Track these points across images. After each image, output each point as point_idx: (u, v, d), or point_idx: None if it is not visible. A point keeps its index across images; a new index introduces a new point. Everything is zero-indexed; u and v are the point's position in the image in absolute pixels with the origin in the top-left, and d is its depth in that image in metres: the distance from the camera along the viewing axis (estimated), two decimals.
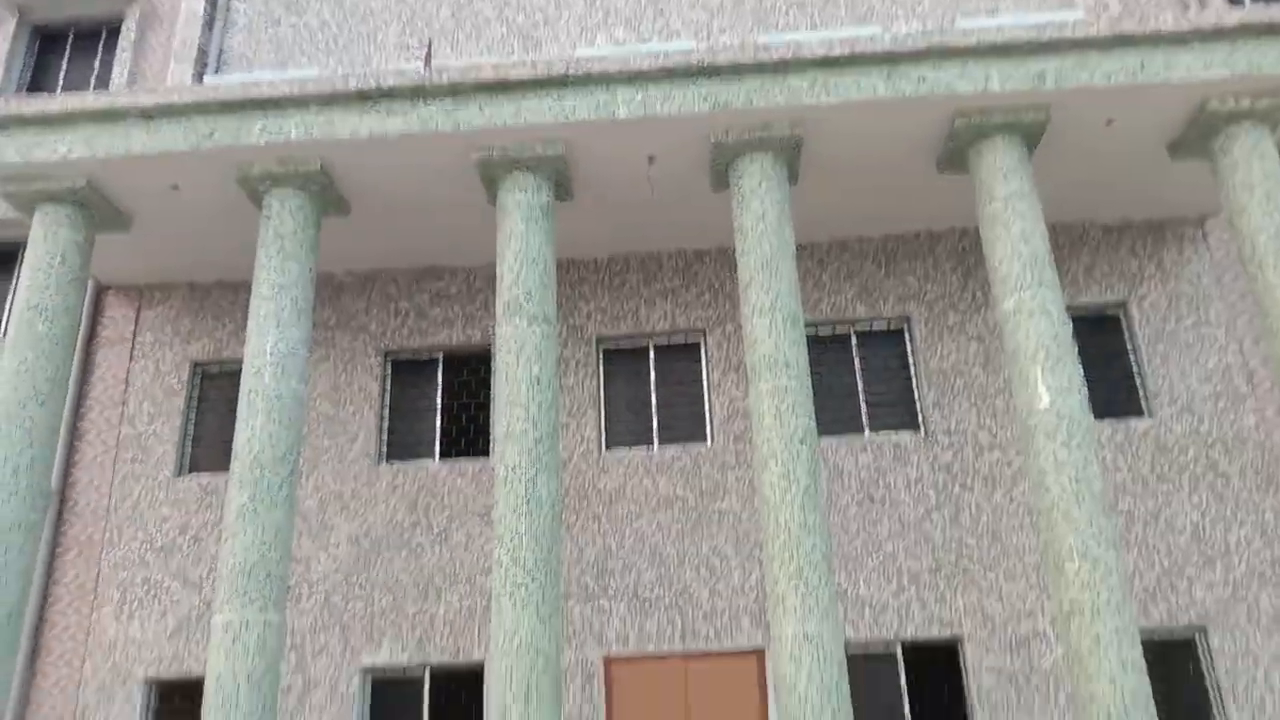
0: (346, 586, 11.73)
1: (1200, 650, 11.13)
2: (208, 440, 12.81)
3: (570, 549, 11.62)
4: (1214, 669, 10.95)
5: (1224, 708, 10.77)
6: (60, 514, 12.34)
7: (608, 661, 11.24)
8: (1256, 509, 11.46)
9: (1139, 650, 8.41)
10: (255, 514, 9.25)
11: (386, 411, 12.77)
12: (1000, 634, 11.07)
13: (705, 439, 12.36)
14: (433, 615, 11.54)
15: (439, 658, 11.34)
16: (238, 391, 10.22)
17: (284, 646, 9.50)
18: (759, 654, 11.10)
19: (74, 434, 12.66)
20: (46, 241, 10.59)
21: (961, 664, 11.17)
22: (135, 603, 11.87)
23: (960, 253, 12.86)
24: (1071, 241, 12.81)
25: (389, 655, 11.40)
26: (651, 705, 10.80)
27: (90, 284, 13.07)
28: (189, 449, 12.76)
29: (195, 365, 13.01)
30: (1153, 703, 8.29)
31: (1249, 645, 10.92)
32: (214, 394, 13.05)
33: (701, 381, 12.67)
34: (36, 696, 11.64)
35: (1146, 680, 8.33)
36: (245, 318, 13.09)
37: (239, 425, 9.70)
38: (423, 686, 11.42)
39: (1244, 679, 10.81)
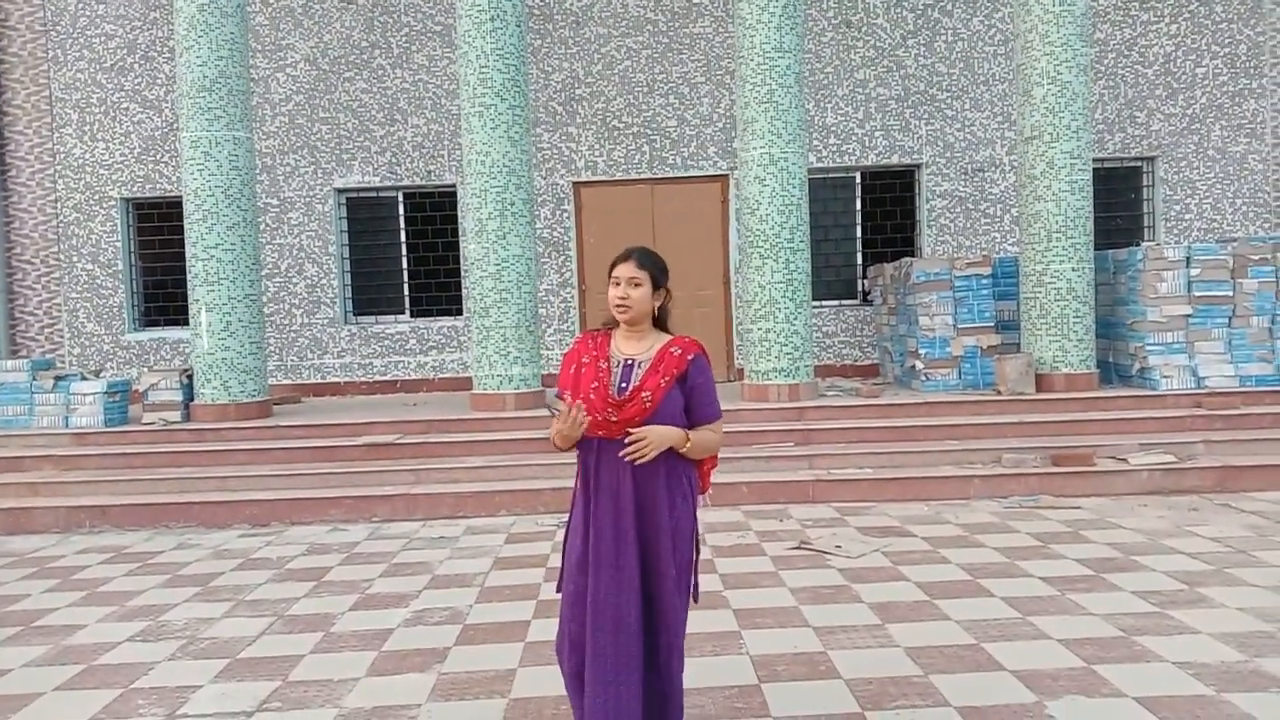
0: (310, 109, 11.57)
1: (1145, 178, 11.63)
2: None
3: (536, 74, 11.37)
4: (1154, 196, 11.54)
5: (1155, 231, 11.52)
6: None
7: (577, 186, 11.54)
8: (1233, 40, 11.32)
9: (1088, 174, 8.75)
10: (208, 26, 8.80)
11: None
12: (958, 161, 11.41)
13: None
14: (401, 139, 11.55)
15: (410, 180, 11.56)
16: None
17: (255, 165, 9.57)
18: (723, 179, 11.42)
19: None
20: None
21: (916, 189, 11.63)
22: (95, 124, 11.69)
23: None
24: None
25: (360, 177, 11.58)
26: (619, 225, 11.30)
27: None
28: None
29: None
30: (1091, 221, 8.81)
31: (1190, 175, 11.40)
32: None
33: None
34: (16, 214, 11.87)
35: (1090, 202, 8.78)
36: None
37: None
38: (397, 207, 11.77)
39: (1178, 206, 11.43)
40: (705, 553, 6.06)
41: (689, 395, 3.09)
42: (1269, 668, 3.88)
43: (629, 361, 3.09)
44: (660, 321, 3.20)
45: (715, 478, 7.42)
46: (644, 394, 3.00)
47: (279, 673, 4.37)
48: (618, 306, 3.09)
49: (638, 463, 2.96)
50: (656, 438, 2.96)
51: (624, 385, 3.05)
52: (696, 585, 3.23)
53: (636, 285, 3.08)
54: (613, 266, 3.13)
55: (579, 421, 2.94)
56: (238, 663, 4.53)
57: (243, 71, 9.11)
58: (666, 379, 3.03)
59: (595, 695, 3.00)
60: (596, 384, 3.04)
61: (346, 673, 4.33)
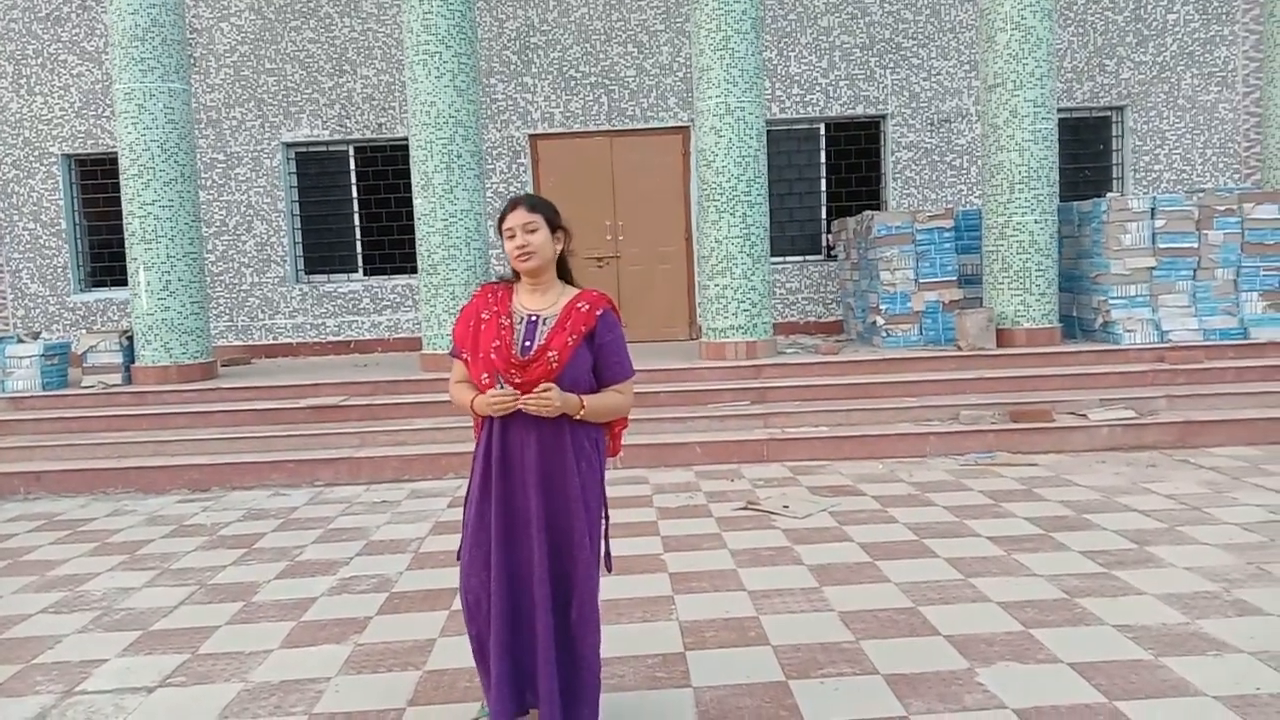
0: (256, 60, 11.16)
1: (1114, 128, 11.40)
2: None
3: (489, 21, 11.00)
4: (1123, 146, 11.33)
5: (1124, 183, 11.32)
6: None
7: (533, 139, 11.22)
8: None
9: (1052, 123, 8.52)
10: None
11: None
12: (924, 112, 11.14)
13: None
14: (350, 90, 11.17)
15: (361, 133, 11.20)
16: None
17: (193, 118, 9.21)
18: (684, 131, 11.12)
19: None
20: None
21: (881, 141, 11.37)
22: (32, 77, 11.26)
23: None
24: None
25: (309, 131, 11.21)
26: (578, 179, 11.01)
27: None
28: None
29: None
30: (1056, 172, 8.59)
31: (1160, 125, 11.19)
32: None
33: None
34: None
35: (1054, 152, 8.55)
36: None
37: None
38: (348, 161, 11.42)
39: (1148, 157, 11.23)
40: (649, 515, 5.90)
41: (597, 354, 2.88)
42: (1210, 630, 3.74)
43: (533, 317, 2.88)
44: (564, 273, 2.99)
45: (667, 438, 7.32)
46: (550, 354, 2.79)
47: (189, 645, 4.18)
48: (519, 256, 2.85)
49: (529, 412, 2.75)
50: (556, 405, 2.75)
51: (528, 344, 2.83)
52: (608, 553, 3.06)
53: (532, 230, 2.85)
54: (501, 220, 2.91)
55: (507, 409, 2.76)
56: (149, 635, 4.33)
57: (178, 20, 8.72)
58: (574, 337, 2.82)
59: (500, 665, 2.84)
60: (498, 342, 2.82)
61: (260, 644, 4.14)
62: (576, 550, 2.84)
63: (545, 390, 2.73)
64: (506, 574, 2.85)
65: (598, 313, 2.87)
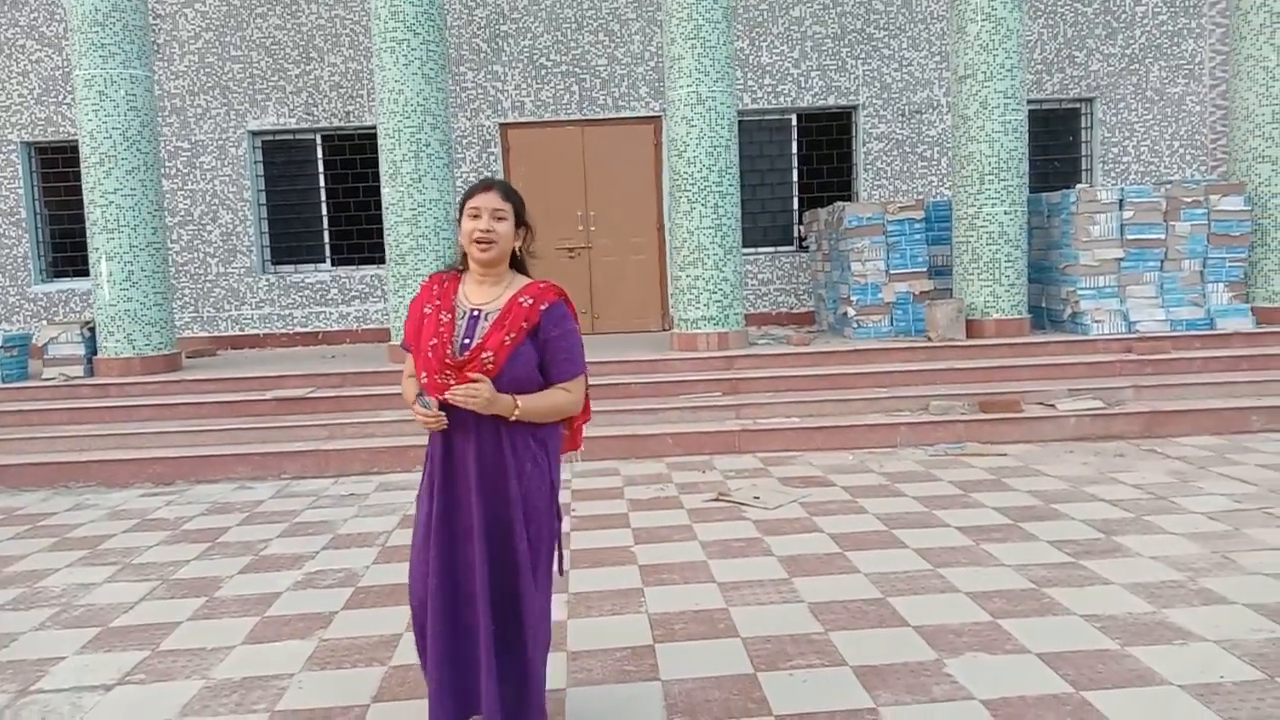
0: (221, 47, 10.98)
1: (1083, 120, 11.47)
2: None
3: (458, 9, 10.88)
4: (1092, 138, 11.40)
5: (1093, 175, 11.39)
6: None
7: (504, 128, 11.12)
8: None
9: (1023, 114, 8.54)
10: None
11: None
12: (895, 103, 11.15)
13: None
14: (317, 78, 11.01)
15: (328, 121, 11.05)
16: None
17: (156, 105, 9.05)
18: (656, 121, 11.07)
19: None
20: None
21: (853, 131, 11.37)
22: None
23: None
24: None
25: (276, 119, 11.05)
26: (549, 169, 10.92)
27: None
28: None
29: None
30: (1026, 163, 8.62)
31: (1129, 117, 11.26)
32: None
33: None
34: None
35: (1024, 143, 8.58)
36: None
37: None
38: (315, 150, 11.26)
39: (1116, 148, 11.31)
40: (620, 507, 5.86)
41: (543, 349, 2.70)
42: (1175, 619, 3.76)
43: (475, 312, 2.71)
44: (520, 266, 2.84)
45: (639, 429, 7.29)
46: (485, 354, 2.62)
47: (150, 642, 4.09)
48: (479, 242, 2.68)
49: (457, 404, 2.61)
50: (485, 399, 2.59)
51: (467, 341, 2.67)
52: (561, 556, 2.94)
53: (500, 219, 2.70)
54: (468, 198, 2.74)
55: (436, 426, 2.67)
56: (109, 631, 4.24)
57: (140, 5, 8.54)
58: (513, 335, 2.65)
59: (439, 671, 2.73)
60: (435, 341, 2.67)
61: (222, 640, 4.06)
62: (519, 556, 2.70)
63: (476, 381, 2.59)
64: (447, 578, 2.72)
65: (541, 307, 2.70)
